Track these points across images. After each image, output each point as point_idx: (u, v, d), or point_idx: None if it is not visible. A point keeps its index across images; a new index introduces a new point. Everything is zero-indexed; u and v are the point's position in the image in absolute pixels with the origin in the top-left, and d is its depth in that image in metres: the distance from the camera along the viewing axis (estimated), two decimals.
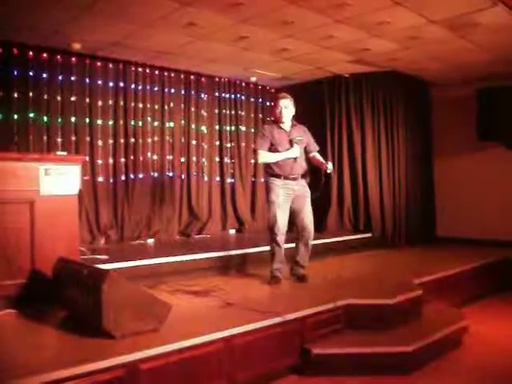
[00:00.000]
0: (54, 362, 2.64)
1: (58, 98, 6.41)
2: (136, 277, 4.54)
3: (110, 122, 6.89)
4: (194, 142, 7.78)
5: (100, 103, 6.79)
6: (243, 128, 8.45)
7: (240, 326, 3.30)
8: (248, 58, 6.88)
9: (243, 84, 8.47)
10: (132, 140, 7.07)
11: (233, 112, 8.34)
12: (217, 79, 8.09)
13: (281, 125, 4.79)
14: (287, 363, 3.58)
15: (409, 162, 8.09)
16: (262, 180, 8.37)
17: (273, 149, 4.74)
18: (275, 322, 3.50)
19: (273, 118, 4.93)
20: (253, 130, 8.53)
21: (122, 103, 6.99)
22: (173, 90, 7.54)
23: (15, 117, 6.03)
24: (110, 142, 6.89)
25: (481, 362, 3.88)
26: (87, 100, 6.69)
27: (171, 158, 7.50)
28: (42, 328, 3.35)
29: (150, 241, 6.93)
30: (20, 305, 3.73)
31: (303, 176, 4.82)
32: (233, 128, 8.32)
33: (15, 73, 6.07)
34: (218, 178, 8.08)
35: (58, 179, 4.04)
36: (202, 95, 7.91)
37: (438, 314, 4.59)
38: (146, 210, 7.13)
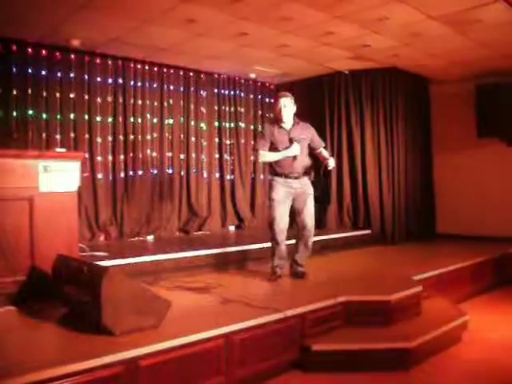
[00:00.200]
0: (54, 358, 2.64)
1: (57, 95, 6.40)
2: (135, 273, 4.55)
3: (109, 119, 6.89)
4: (193, 139, 7.77)
5: (99, 100, 6.77)
6: (243, 125, 8.44)
7: (240, 322, 3.30)
8: (247, 54, 6.87)
9: (242, 81, 8.45)
10: (131, 137, 7.06)
11: (232, 109, 8.33)
12: (216, 76, 8.07)
13: (281, 124, 4.78)
14: (287, 360, 3.58)
15: (408, 159, 8.08)
16: (262, 177, 8.44)
17: (273, 148, 4.75)
18: (275, 319, 3.50)
19: (272, 115, 4.93)
20: (252, 127, 8.52)
21: (121, 100, 6.98)
22: (172, 87, 7.53)
23: (14, 114, 6.02)
24: (110, 138, 6.89)
25: (480, 358, 3.87)
26: (86, 97, 6.67)
27: (170, 154, 7.49)
28: (42, 325, 3.35)
29: (150, 237, 6.94)
30: (19, 302, 3.73)
31: (306, 174, 4.80)
32: (232, 125, 8.31)
33: (14, 69, 6.06)
34: (217, 175, 8.08)
35: (57, 176, 4.04)
36: (202, 92, 7.90)
37: (438, 310, 4.60)
38: (146, 206, 7.12)
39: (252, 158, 8.35)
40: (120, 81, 6.98)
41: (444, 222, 8.48)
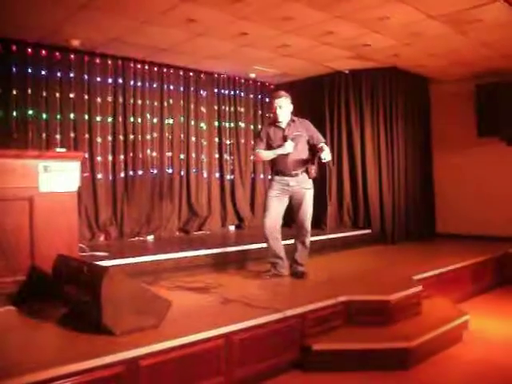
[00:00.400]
0: (54, 358, 2.64)
1: (57, 95, 6.39)
2: (136, 273, 4.55)
3: (109, 119, 6.88)
4: (193, 139, 7.77)
5: (99, 100, 6.77)
6: (243, 124, 8.43)
7: (240, 322, 3.30)
8: (247, 54, 6.86)
9: (242, 80, 8.45)
10: (131, 137, 7.05)
11: (232, 108, 8.32)
12: (216, 76, 8.07)
13: (277, 123, 4.81)
14: (287, 360, 3.58)
15: (408, 158, 8.08)
16: (262, 177, 8.45)
17: (269, 147, 4.79)
18: (275, 319, 3.50)
19: (271, 115, 4.93)
20: (252, 127, 8.52)
21: (121, 100, 6.98)
22: (172, 87, 7.53)
23: (14, 114, 6.01)
24: (109, 138, 6.88)
25: (481, 358, 3.88)
26: (86, 97, 6.67)
27: (170, 154, 7.49)
28: (42, 325, 3.35)
29: (150, 237, 6.94)
30: (19, 302, 3.73)
31: (305, 171, 4.77)
32: (232, 124, 8.31)
33: (14, 70, 6.05)
34: (217, 175, 8.08)
35: (57, 176, 4.04)
36: (202, 92, 7.90)
37: (438, 310, 4.60)
38: (146, 206, 7.12)
39: (252, 157, 8.35)
40: (120, 81, 6.98)
41: (444, 221, 8.48)
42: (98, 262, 4.09)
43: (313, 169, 4.76)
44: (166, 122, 7.45)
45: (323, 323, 3.84)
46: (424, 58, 7.11)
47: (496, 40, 6.16)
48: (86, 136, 6.66)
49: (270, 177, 4.96)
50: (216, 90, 8.10)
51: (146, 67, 7.23)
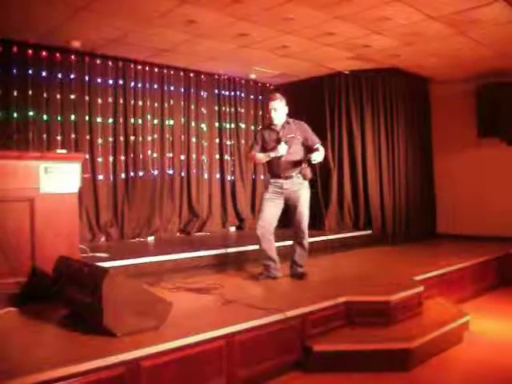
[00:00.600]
0: (55, 360, 2.64)
1: (58, 96, 6.41)
2: (136, 274, 4.56)
3: (110, 120, 6.89)
4: (193, 140, 7.78)
5: (100, 101, 6.78)
6: (243, 125, 8.44)
7: (241, 323, 3.30)
8: (248, 55, 6.87)
9: (243, 81, 8.46)
10: (132, 138, 7.07)
11: (232, 109, 8.33)
12: (216, 77, 8.08)
13: (272, 126, 4.81)
14: (288, 360, 3.57)
15: (409, 159, 8.09)
16: (262, 178, 8.45)
17: (263, 150, 4.81)
18: (276, 319, 3.50)
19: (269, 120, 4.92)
20: (253, 128, 8.52)
21: (121, 101, 6.99)
22: (172, 88, 7.54)
23: (15, 115, 6.04)
24: (110, 139, 6.90)
25: (482, 358, 3.87)
26: (87, 98, 6.69)
27: (171, 155, 7.50)
28: (43, 326, 3.34)
29: (151, 239, 6.95)
30: (21, 303, 3.73)
31: (299, 173, 4.73)
32: (233, 125, 8.32)
33: (14, 71, 6.07)
34: (218, 176, 8.08)
35: (58, 177, 4.04)
36: (202, 93, 7.91)
37: (439, 310, 4.59)
38: (146, 207, 7.13)
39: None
40: (120, 82, 6.99)
41: (445, 221, 8.48)
42: (98, 263, 4.09)
43: (308, 170, 4.74)
44: (167, 122, 7.46)
45: (324, 324, 3.84)
46: (424, 59, 7.11)
47: (496, 40, 6.16)
48: (87, 137, 6.68)
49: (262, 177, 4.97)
50: (216, 91, 8.11)
51: (147, 68, 7.25)
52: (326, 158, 7.63)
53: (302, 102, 7.93)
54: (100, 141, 6.78)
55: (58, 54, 6.39)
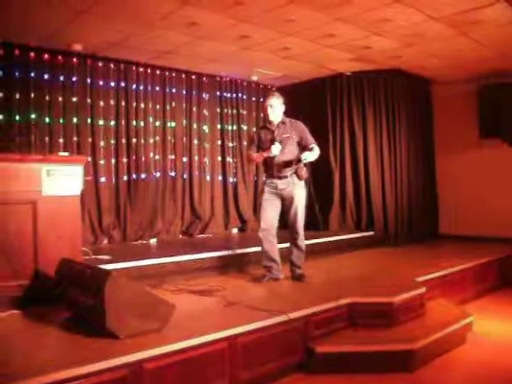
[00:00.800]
0: (58, 362, 2.64)
1: (60, 99, 6.43)
2: (139, 277, 4.57)
3: (112, 123, 6.90)
4: (195, 142, 7.78)
5: (102, 103, 6.79)
6: (245, 127, 8.44)
7: (243, 325, 3.30)
8: (249, 57, 6.88)
9: (244, 83, 8.46)
10: (134, 140, 7.07)
11: (234, 111, 8.34)
12: (218, 79, 8.08)
13: (268, 125, 4.83)
14: (291, 362, 3.57)
15: (411, 160, 8.09)
16: (264, 179, 8.44)
17: (259, 149, 4.82)
18: (279, 321, 3.50)
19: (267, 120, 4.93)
20: (254, 129, 8.52)
21: (123, 103, 7.00)
22: (174, 90, 7.54)
23: (17, 118, 6.05)
24: (112, 142, 6.90)
25: (485, 359, 3.86)
26: (89, 100, 6.69)
27: (173, 157, 7.50)
28: (46, 329, 3.35)
29: (153, 241, 6.95)
30: (23, 306, 3.73)
31: (294, 174, 4.72)
32: (234, 127, 8.32)
33: (17, 74, 6.09)
34: (220, 178, 8.08)
35: (61, 180, 4.04)
36: (204, 95, 7.91)
37: (442, 311, 4.59)
38: (149, 210, 7.13)
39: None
40: (122, 84, 7.00)
41: (447, 222, 8.47)
42: (101, 266, 4.11)
43: (303, 171, 4.73)
44: (169, 125, 7.47)
45: (327, 325, 3.83)
46: (426, 60, 7.11)
47: (498, 41, 6.15)
48: (89, 140, 6.68)
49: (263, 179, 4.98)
50: (218, 93, 8.11)
51: (149, 71, 7.26)
52: (327, 159, 7.76)
53: (304, 103, 7.94)
54: (102, 143, 6.78)
55: (59, 57, 6.40)
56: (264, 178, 4.94)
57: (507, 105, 7.62)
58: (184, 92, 7.68)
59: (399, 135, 7.89)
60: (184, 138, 7.65)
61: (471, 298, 5.64)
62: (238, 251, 5.72)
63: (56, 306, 3.65)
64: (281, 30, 5.78)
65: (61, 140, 6.40)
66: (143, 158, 7.13)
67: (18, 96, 6.07)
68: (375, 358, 3.62)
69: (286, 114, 4.87)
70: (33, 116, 6.17)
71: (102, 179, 6.75)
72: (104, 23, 5.38)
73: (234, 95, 8.34)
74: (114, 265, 4.62)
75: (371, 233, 7.59)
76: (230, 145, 8.25)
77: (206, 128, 7.93)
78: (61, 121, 6.42)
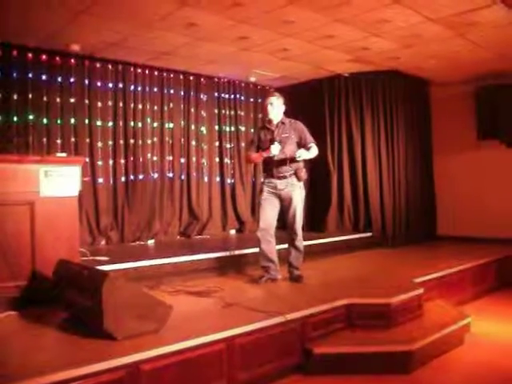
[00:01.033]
0: (55, 363, 2.64)
1: (58, 100, 6.42)
2: (137, 278, 4.56)
3: (110, 124, 6.89)
4: (193, 143, 7.78)
5: (99, 104, 6.78)
6: (243, 128, 8.44)
7: (241, 326, 3.29)
8: (248, 58, 6.88)
9: (242, 84, 8.46)
10: (132, 141, 7.06)
11: (232, 112, 8.34)
12: (216, 80, 8.08)
13: (267, 125, 4.84)
14: (289, 363, 3.57)
15: (409, 161, 8.09)
16: (262, 180, 8.43)
17: (259, 149, 4.83)
18: (277, 322, 3.49)
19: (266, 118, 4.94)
20: (252, 131, 8.52)
21: (121, 104, 6.99)
22: (172, 91, 7.54)
23: (15, 119, 6.04)
24: (110, 143, 6.89)
25: (483, 360, 3.87)
26: (86, 101, 6.69)
27: (171, 158, 7.50)
28: (43, 330, 3.34)
29: (151, 242, 6.94)
30: (21, 307, 3.73)
31: (293, 174, 4.72)
32: (232, 128, 8.32)
33: (14, 75, 6.08)
34: (218, 179, 8.08)
35: (58, 181, 4.04)
36: (202, 96, 7.91)
37: (440, 312, 4.59)
38: (146, 211, 7.12)
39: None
40: (120, 85, 6.99)
41: (445, 223, 8.48)
42: (98, 267, 4.11)
43: (303, 172, 4.74)
44: (167, 126, 7.46)
45: (324, 326, 3.83)
46: (424, 61, 7.12)
47: (495, 42, 6.17)
48: (87, 140, 6.68)
49: (261, 180, 4.97)
50: (216, 94, 8.11)
51: (147, 71, 7.25)
52: (325, 159, 7.76)
53: (302, 104, 7.93)
54: (100, 144, 6.78)
55: (57, 58, 6.39)
56: (263, 178, 4.94)
57: (505, 106, 7.64)
58: (182, 93, 7.67)
59: (397, 136, 7.90)
60: (182, 139, 7.65)
61: (469, 299, 5.64)
62: (236, 252, 5.72)
63: (53, 307, 3.64)
64: (280, 31, 5.78)
65: (58, 141, 6.39)
66: (141, 159, 7.13)
67: (15, 97, 6.06)
68: (373, 359, 3.62)
69: (285, 114, 4.88)
70: (31, 117, 6.16)
71: (100, 180, 6.74)
72: (102, 24, 5.37)
73: (232, 96, 8.34)
74: (111, 266, 4.61)
75: (369, 234, 7.59)
76: (228, 146, 8.25)
77: (203, 129, 7.93)
78: (58, 122, 6.41)
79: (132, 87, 7.09)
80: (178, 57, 6.76)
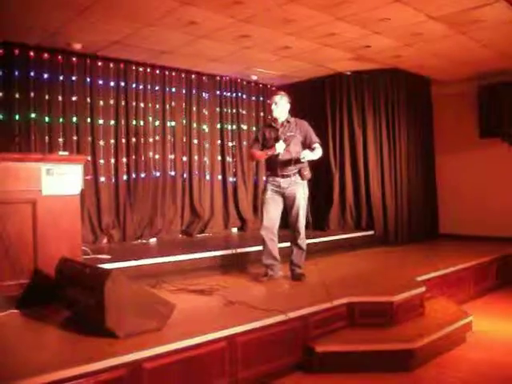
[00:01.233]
0: (57, 361, 2.64)
1: (59, 98, 6.42)
2: (139, 276, 4.56)
3: (112, 122, 6.89)
4: (195, 141, 7.78)
5: (101, 103, 6.78)
6: (245, 126, 8.44)
7: (243, 324, 3.30)
8: (249, 56, 6.87)
9: (244, 82, 8.46)
10: (133, 139, 7.07)
11: (234, 110, 8.33)
12: (218, 78, 8.08)
13: (273, 123, 4.84)
14: (290, 361, 3.57)
15: (411, 160, 8.07)
16: (264, 179, 8.44)
17: (263, 147, 4.83)
18: (278, 321, 3.50)
19: (270, 116, 4.96)
20: (254, 129, 8.52)
21: (123, 103, 6.99)
22: (174, 89, 7.54)
23: (17, 117, 6.04)
24: (112, 141, 6.90)
25: (485, 358, 3.86)
26: (88, 100, 6.69)
27: (173, 157, 7.50)
28: (45, 328, 3.35)
29: (153, 240, 6.95)
30: (23, 305, 3.73)
31: (297, 173, 4.73)
32: (234, 126, 8.32)
33: (16, 73, 6.08)
34: (219, 177, 8.08)
35: (60, 179, 4.05)
36: (204, 94, 7.91)
37: (441, 311, 4.58)
38: (148, 209, 7.13)
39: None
40: (122, 84, 6.99)
41: (447, 222, 8.47)
42: (100, 265, 4.11)
43: (307, 171, 4.75)
44: (169, 124, 7.46)
45: (326, 325, 3.84)
46: (425, 59, 7.11)
47: (497, 40, 6.15)
48: (89, 139, 6.68)
49: (264, 178, 4.98)
50: (218, 92, 8.11)
51: (148, 70, 7.25)
52: (327, 158, 7.76)
53: (304, 102, 7.93)
54: (102, 143, 6.78)
55: (59, 56, 6.39)
56: (266, 177, 4.93)
57: (507, 104, 7.62)
58: (184, 91, 7.67)
59: (399, 134, 7.88)
60: (184, 138, 7.65)
61: (471, 297, 5.64)
62: (238, 250, 5.72)
63: (55, 306, 3.65)
64: (281, 30, 5.77)
65: (60, 139, 6.39)
66: (143, 158, 7.13)
67: (17, 95, 6.06)
68: (375, 358, 3.62)
69: (290, 113, 4.88)
70: (32, 115, 6.16)
71: (102, 178, 6.75)
72: (104, 22, 5.37)
73: (234, 94, 8.34)
74: (113, 264, 4.62)
75: (371, 232, 7.59)
76: (230, 144, 8.25)
77: (205, 127, 7.93)
78: (60, 120, 6.41)
79: (134, 85, 7.09)
80: (180, 55, 6.76)
